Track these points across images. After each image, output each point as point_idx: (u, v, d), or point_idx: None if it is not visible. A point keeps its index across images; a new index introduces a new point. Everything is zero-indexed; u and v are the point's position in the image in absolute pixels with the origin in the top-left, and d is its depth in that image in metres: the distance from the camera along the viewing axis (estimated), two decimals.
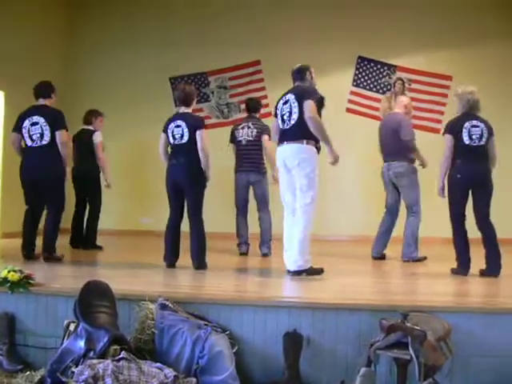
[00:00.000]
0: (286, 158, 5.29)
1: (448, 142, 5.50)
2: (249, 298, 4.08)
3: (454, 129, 5.49)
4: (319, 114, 5.23)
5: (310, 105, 5.13)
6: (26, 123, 5.96)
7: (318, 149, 5.30)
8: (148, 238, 8.07)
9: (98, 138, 7.30)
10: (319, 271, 5.16)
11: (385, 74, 9.78)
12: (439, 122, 9.49)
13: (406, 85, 9.53)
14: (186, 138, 5.61)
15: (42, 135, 5.92)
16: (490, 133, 5.45)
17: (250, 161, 6.97)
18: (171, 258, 5.69)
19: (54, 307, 4.12)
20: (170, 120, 5.77)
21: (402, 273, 5.82)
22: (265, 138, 6.86)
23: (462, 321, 3.69)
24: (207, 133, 5.69)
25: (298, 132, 5.22)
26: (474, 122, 5.42)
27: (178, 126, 5.66)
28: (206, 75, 10.06)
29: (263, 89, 9.82)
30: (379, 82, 9.80)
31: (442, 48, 9.58)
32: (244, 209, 7.11)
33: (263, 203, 7.04)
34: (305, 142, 5.19)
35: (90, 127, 7.45)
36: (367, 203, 9.29)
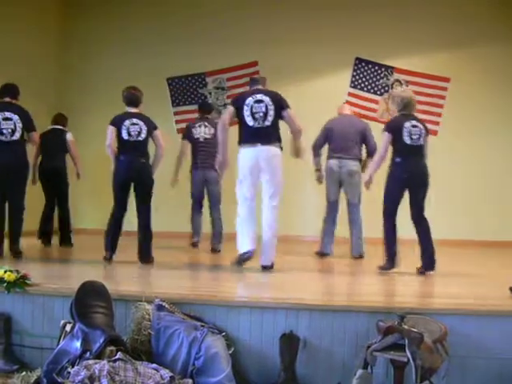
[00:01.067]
0: (259, 158, 5.53)
1: (386, 140, 5.63)
2: (245, 299, 4.07)
3: (394, 128, 5.62)
4: None
5: (295, 116, 5.66)
6: None
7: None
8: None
9: (71, 137, 7.65)
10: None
11: (382, 75, 9.79)
12: (437, 123, 9.50)
13: (404, 86, 9.56)
14: (143, 136, 5.90)
15: (13, 131, 6.04)
16: (426, 133, 5.67)
17: (207, 158, 7.22)
18: (112, 252, 5.88)
19: (50, 307, 4.11)
20: (123, 117, 5.99)
21: (392, 274, 5.79)
22: None
23: (457, 322, 3.69)
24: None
25: (273, 135, 5.58)
26: (414, 122, 5.60)
27: (134, 124, 5.91)
28: (203, 76, 10.05)
29: None
30: (377, 83, 9.80)
31: (440, 49, 9.58)
32: (199, 204, 7.52)
33: (216, 200, 7.44)
34: (278, 145, 5.60)
35: (60, 127, 7.72)
36: (368, 203, 9.29)
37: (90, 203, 9.67)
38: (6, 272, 4.16)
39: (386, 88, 9.67)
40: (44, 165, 7.54)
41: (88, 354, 3.37)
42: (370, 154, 6.89)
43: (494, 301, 4.14)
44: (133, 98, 6.07)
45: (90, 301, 3.64)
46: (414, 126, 5.57)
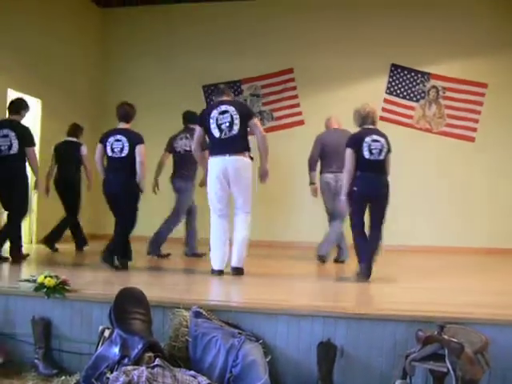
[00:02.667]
0: (228, 168, 5.60)
1: (348, 155, 5.61)
2: (283, 306, 4.04)
3: (354, 143, 5.61)
4: None
5: (258, 122, 5.76)
6: None
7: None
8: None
9: (85, 150, 7.87)
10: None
11: (418, 81, 9.70)
12: (474, 130, 9.40)
13: (441, 93, 9.46)
14: (125, 152, 6.05)
15: (9, 147, 6.35)
16: (389, 149, 5.63)
17: (186, 169, 7.36)
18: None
19: (88, 313, 4.15)
20: (109, 133, 6.21)
21: (430, 282, 5.72)
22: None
23: (499, 333, 3.61)
24: (145, 148, 6.13)
25: (239, 144, 5.64)
26: (375, 137, 5.56)
27: (117, 141, 6.09)
28: (239, 83, 10.09)
29: (296, 97, 9.82)
30: (413, 89, 9.72)
31: (477, 55, 9.47)
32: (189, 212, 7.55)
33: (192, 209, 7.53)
34: (246, 154, 5.66)
35: (75, 139, 7.95)
36: (411, 210, 9.25)
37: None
38: (46, 277, 4.22)
39: (423, 94, 9.58)
40: (58, 176, 7.88)
41: (126, 359, 3.39)
42: None
43: None
44: (123, 113, 6.28)
45: (128, 307, 3.67)
46: (374, 141, 5.55)
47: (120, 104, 6.35)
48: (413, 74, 9.69)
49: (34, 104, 8.69)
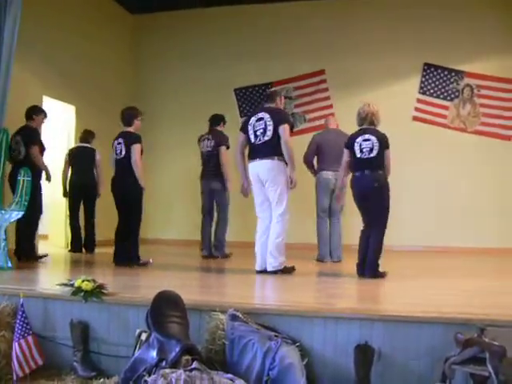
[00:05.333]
0: (259, 172, 5.92)
1: (344, 154, 5.97)
2: (319, 309, 4.03)
3: (348, 143, 5.90)
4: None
5: (286, 129, 5.85)
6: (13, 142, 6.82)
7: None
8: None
9: (99, 155, 8.28)
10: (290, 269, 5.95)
11: (452, 80, 9.57)
12: (510, 128, 9.22)
13: (475, 91, 9.33)
14: (123, 153, 6.47)
15: (19, 152, 6.84)
16: (383, 145, 5.70)
17: (210, 169, 7.70)
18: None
19: (125, 316, 4.19)
20: (116, 137, 6.61)
21: (466, 284, 5.63)
22: (221, 149, 7.61)
23: None
24: (139, 147, 6.44)
25: (271, 149, 5.85)
26: (366, 136, 5.75)
27: (119, 143, 6.54)
28: (270, 86, 10.07)
29: (328, 98, 9.79)
30: (446, 88, 9.58)
31: None
32: (209, 214, 7.85)
33: (221, 209, 7.79)
34: (276, 158, 5.84)
35: (89, 145, 8.34)
36: (445, 210, 9.16)
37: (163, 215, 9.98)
38: (83, 281, 4.27)
39: (457, 93, 9.46)
40: (74, 180, 8.25)
41: (164, 362, 3.40)
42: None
43: None
44: (125, 117, 6.64)
45: (165, 310, 3.69)
46: (365, 140, 5.73)
47: (121, 111, 6.71)
48: (446, 72, 9.56)
49: (69, 110, 8.83)
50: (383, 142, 5.72)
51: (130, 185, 6.42)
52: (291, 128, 6.01)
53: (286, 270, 5.91)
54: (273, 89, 6.49)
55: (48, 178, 7.17)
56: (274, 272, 5.84)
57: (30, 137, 6.88)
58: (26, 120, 7.00)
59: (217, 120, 7.90)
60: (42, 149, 7.07)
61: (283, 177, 5.88)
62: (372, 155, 5.69)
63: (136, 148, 6.42)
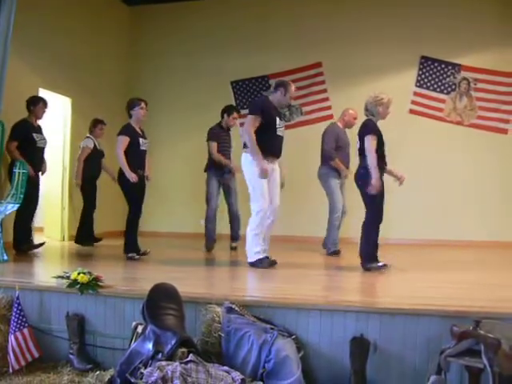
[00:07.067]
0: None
1: (375, 142, 5.68)
2: (315, 301, 4.03)
3: (378, 131, 5.76)
4: (265, 126, 5.76)
5: (248, 118, 5.85)
6: None
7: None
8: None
9: (83, 143, 8.09)
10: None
11: (449, 73, 9.53)
12: (507, 122, 9.21)
13: (472, 84, 9.32)
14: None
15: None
16: (361, 132, 5.75)
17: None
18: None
19: (121, 309, 4.20)
20: None
21: (463, 277, 5.64)
22: (208, 142, 7.63)
23: None
24: (121, 139, 6.41)
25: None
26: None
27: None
28: (267, 78, 10.04)
29: (325, 91, 9.73)
30: (443, 81, 9.55)
31: (510, 45, 9.26)
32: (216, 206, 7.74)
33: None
34: (244, 150, 5.89)
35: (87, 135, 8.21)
36: (444, 205, 9.17)
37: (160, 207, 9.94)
38: (79, 274, 4.27)
39: (453, 86, 9.43)
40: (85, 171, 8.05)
41: (160, 355, 3.41)
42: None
43: None
44: (126, 110, 6.69)
45: (161, 303, 3.69)
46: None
47: None
48: (443, 65, 9.53)
49: (65, 102, 8.79)
50: (362, 129, 5.78)
51: (119, 176, 6.49)
52: (252, 113, 5.83)
53: (259, 262, 5.74)
54: (279, 79, 6.36)
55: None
56: (251, 264, 5.78)
57: (11, 131, 6.76)
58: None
59: (221, 112, 7.81)
60: (30, 142, 6.86)
61: (249, 168, 5.81)
62: (358, 145, 5.77)
63: (118, 139, 6.44)
